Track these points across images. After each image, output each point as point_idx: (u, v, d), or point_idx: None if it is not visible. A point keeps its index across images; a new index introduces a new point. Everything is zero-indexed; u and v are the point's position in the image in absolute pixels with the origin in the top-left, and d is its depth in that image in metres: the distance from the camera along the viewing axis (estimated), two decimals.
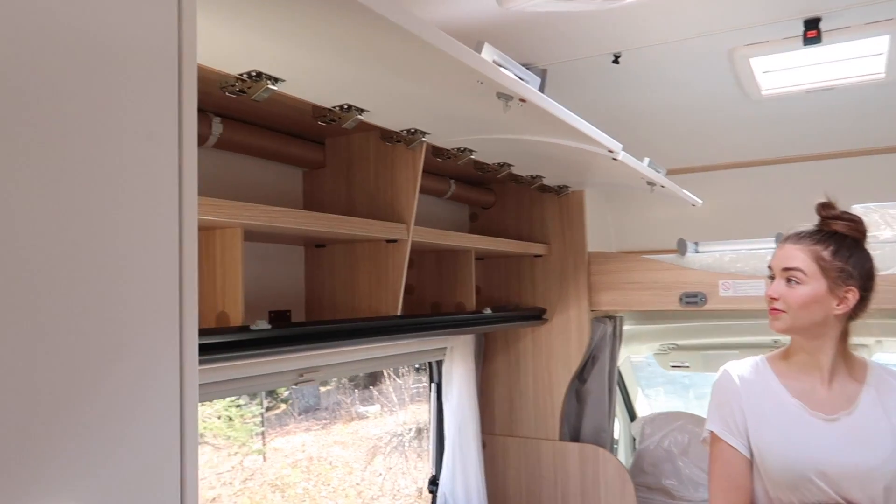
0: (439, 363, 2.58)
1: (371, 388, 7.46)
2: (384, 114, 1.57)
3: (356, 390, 7.50)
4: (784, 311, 1.55)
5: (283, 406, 7.25)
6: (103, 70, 0.63)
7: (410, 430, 6.89)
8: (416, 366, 3.05)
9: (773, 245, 2.37)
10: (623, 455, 3.59)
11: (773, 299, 1.56)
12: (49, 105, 0.58)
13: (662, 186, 2.18)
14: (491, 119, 1.49)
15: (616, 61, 2.49)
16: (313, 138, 1.91)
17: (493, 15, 2.12)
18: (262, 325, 1.40)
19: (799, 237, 1.59)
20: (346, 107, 1.48)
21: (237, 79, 1.28)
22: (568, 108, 1.65)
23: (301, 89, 1.37)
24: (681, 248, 2.55)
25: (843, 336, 1.57)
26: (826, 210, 1.59)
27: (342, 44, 1.13)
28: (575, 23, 2.23)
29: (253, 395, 6.59)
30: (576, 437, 2.67)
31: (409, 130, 1.71)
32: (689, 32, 2.33)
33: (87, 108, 0.62)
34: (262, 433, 6.71)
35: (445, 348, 2.52)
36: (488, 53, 1.13)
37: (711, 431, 1.61)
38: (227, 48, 1.16)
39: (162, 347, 0.69)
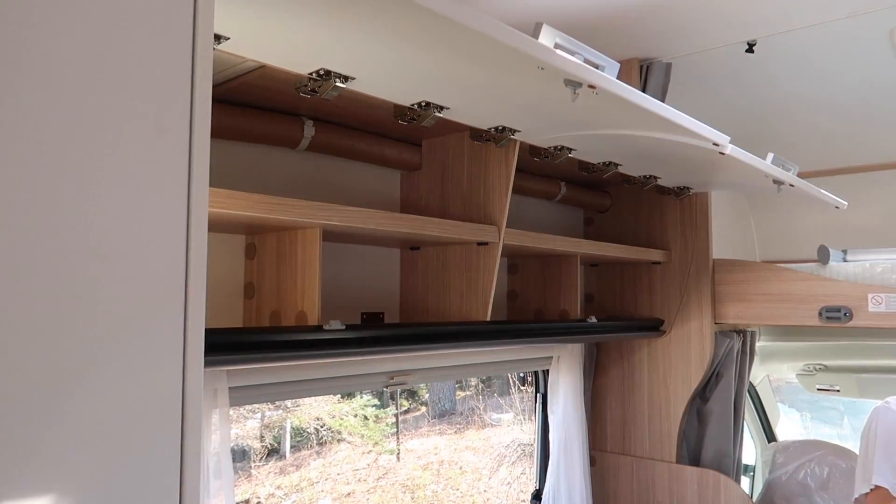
0: (545, 373, 2.47)
1: (502, 396, 7.42)
2: (465, 111, 1.51)
3: (484, 398, 7.49)
4: None
5: (423, 409, 7.40)
6: (111, 57, 0.63)
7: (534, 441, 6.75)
8: (521, 375, 2.95)
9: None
10: (758, 482, 3.26)
11: None
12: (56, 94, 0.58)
13: (791, 185, 1.93)
14: (574, 112, 1.38)
15: (750, 50, 2.26)
16: (411, 140, 1.90)
17: (610, 6, 1.99)
18: (336, 325, 1.39)
19: None
20: (423, 104, 1.44)
21: (309, 78, 1.28)
22: (698, 105, 1.50)
23: (374, 87, 1.35)
24: (822, 257, 2.26)
25: None
26: None
27: (406, 39, 1.09)
28: (703, 9, 2.04)
29: (392, 396, 6.80)
30: (695, 460, 2.45)
31: (497, 128, 1.63)
32: (839, 12, 2.05)
33: (93, 98, 0.62)
34: (397, 433, 6.88)
35: (551, 357, 2.41)
36: (548, 37, 1.04)
37: (880, 487, 1.35)
38: (295, 47, 1.16)
39: (161, 345, 0.67)
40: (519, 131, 1.64)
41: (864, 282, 2.13)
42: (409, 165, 1.92)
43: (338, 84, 1.27)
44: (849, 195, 2.42)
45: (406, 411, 7.13)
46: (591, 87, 1.10)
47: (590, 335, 2.18)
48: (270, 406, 5.65)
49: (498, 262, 1.72)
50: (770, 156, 1.81)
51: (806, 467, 2.51)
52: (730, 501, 2.29)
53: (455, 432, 7.29)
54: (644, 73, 2.43)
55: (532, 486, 2.55)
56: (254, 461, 5.55)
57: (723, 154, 1.54)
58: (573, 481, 2.38)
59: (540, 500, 2.45)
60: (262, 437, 5.76)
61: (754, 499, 2.71)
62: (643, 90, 2.25)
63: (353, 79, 1.28)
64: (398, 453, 6.75)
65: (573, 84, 1.09)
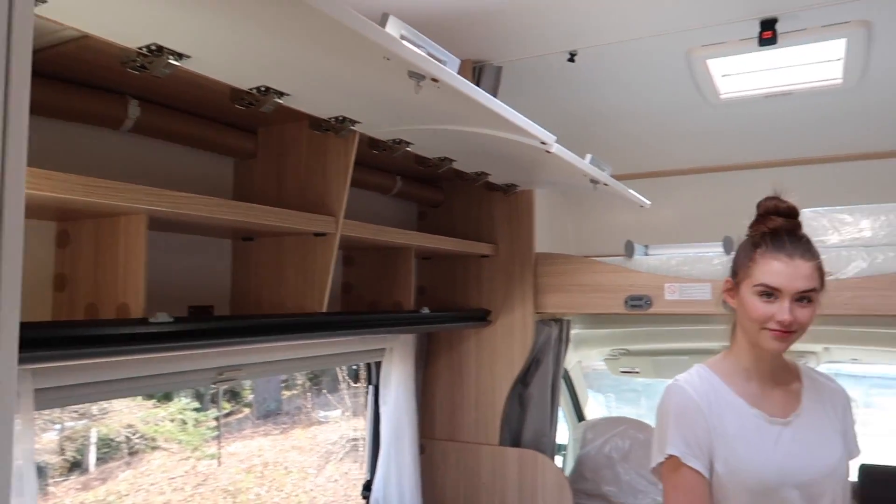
0: (378, 365, 2.50)
1: (331, 394, 7.36)
2: (306, 98, 1.49)
3: (312, 396, 7.41)
4: (795, 332, 1.40)
5: (246, 410, 7.12)
6: None
7: (363, 436, 6.80)
8: (353, 370, 2.97)
9: (720, 249, 2.33)
10: (570, 460, 3.55)
11: (793, 323, 1.37)
12: None
13: (606, 185, 2.13)
14: (415, 105, 1.42)
15: (572, 59, 2.45)
16: (246, 127, 1.83)
17: (446, 8, 2.05)
18: (164, 318, 1.31)
19: (804, 249, 1.41)
20: (263, 89, 1.40)
21: (138, 53, 1.20)
22: (524, 107, 1.59)
23: (211, 68, 1.29)
24: (628, 251, 2.51)
25: None
26: (790, 207, 1.46)
27: (249, 18, 1.05)
28: (529, 18, 2.18)
29: (213, 399, 6.47)
30: (516, 441, 2.61)
31: (337, 118, 1.63)
32: (645, 31, 2.29)
33: None
34: (218, 437, 6.57)
35: (384, 349, 2.45)
36: (394, 27, 1.06)
37: (672, 455, 1.42)
38: (125, 19, 1.08)
39: None
40: (359, 122, 1.65)
41: (662, 273, 2.40)
42: (244, 153, 1.85)
43: (171, 62, 1.20)
44: (649, 197, 2.70)
45: (229, 413, 6.84)
46: (434, 80, 1.14)
47: (422, 325, 2.24)
48: (73, 415, 5.14)
49: (335, 253, 1.72)
50: (588, 156, 1.98)
51: (611, 441, 2.78)
52: (546, 478, 2.47)
53: (281, 432, 7.12)
54: (477, 74, 2.54)
55: (363, 478, 2.57)
56: (52, 477, 5.02)
57: (549, 152, 1.66)
58: (403, 470, 2.44)
59: (370, 490, 2.47)
60: (63, 450, 5.22)
61: (567, 473, 2.94)
62: None
63: (189, 57, 1.22)
64: (219, 458, 6.46)
65: (417, 76, 1.12)
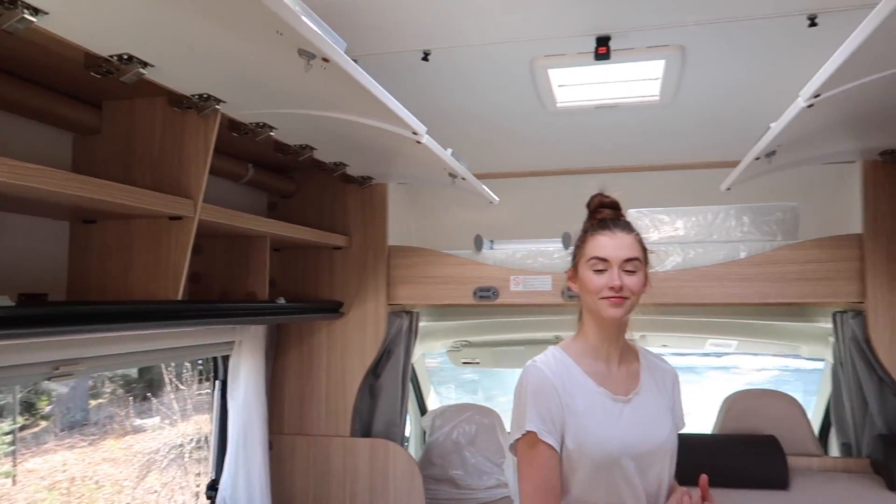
0: (225, 359, 2.40)
1: (152, 398, 6.86)
2: (173, 71, 1.41)
3: (133, 401, 6.88)
4: (628, 299, 1.57)
5: (44, 423, 6.44)
6: None
7: (192, 440, 6.42)
8: (200, 364, 2.82)
9: (560, 245, 2.52)
10: (413, 450, 3.63)
11: (623, 288, 1.55)
12: None
13: (464, 179, 2.22)
14: (292, 87, 1.40)
15: (426, 59, 2.51)
16: (88, 99, 1.68)
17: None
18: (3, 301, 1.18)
19: (623, 226, 1.63)
20: (125, 57, 1.31)
21: None
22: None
23: (69, 27, 1.18)
24: (477, 245, 2.63)
25: (627, 323, 1.67)
26: (613, 200, 1.70)
27: None
28: (386, 14, 2.21)
29: (1, 412, 5.79)
30: (367, 432, 2.63)
31: (201, 96, 1.56)
32: (494, 38, 2.41)
33: None
34: (13, 453, 5.90)
35: (233, 342, 2.35)
36: (291, 3, 1.05)
37: (530, 430, 1.53)
38: None
39: None
40: (224, 102, 1.58)
41: (507, 266, 2.55)
42: (85, 128, 1.70)
43: (26, 16, 1.09)
44: (496, 193, 2.85)
45: (25, 427, 6.15)
46: (325, 59, 1.13)
47: (280, 316, 2.19)
48: None
49: (192, 237, 1.64)
50: (449, 150, 2.05)
51: (458, 427, 2.90)
52: (398, 465, 2.52)
53: (89, 444, 6.52)
54: None
55: (188, 485, 2.45)
56: None
57: (419, 143, 1.71)
58: (252, 467, 2.36)
59: (216, 490, 2.37)
60: None
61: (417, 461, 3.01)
62: None
63: (46, 14, 1.11)
64: (14, 476, 5.78)
65: (307, 55, 1.11)
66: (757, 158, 2.00)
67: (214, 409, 2.47)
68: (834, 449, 2.81)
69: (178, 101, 1.59)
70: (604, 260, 1.58)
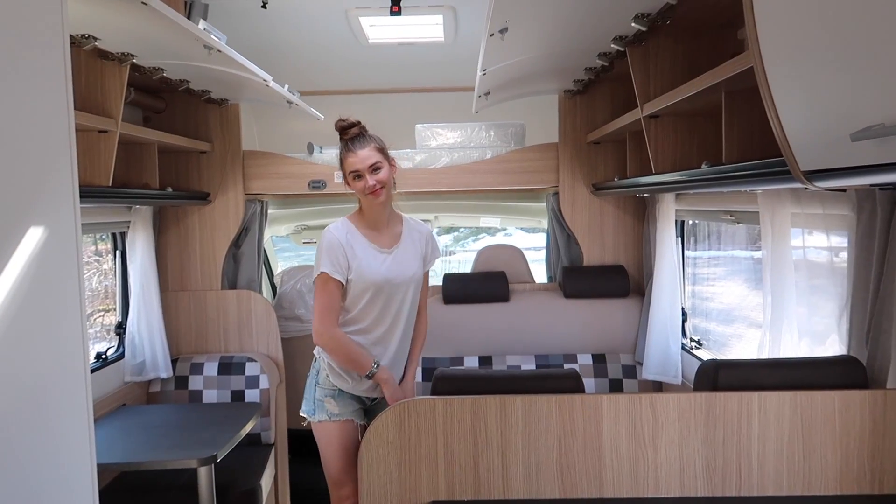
0: (122, 234, 3.26)
1: None
2: (112, 41, 2.24)
3: None
4: (383, 188, 2.32)
5: None
6: None
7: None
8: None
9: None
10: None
11: (375, 184, 2.29)
12: None
13: (297, 105, 3.19)
14: (189, 54, 2.30)
15: (264, 6, 3.36)
16: None
17: None
18: None
19: (361, 143, 2.33)
20: (87, 36, 2.13)
21: None
22: (229, 39, 2.48)
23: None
24: (309, 149, 3.62)
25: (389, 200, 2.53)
26: (352, 122, 2.42)
27: None
28: None
29: None
30: (233, 287, 3.63)
31: (123, 53, 2.39)
32: None
33: None
34: None
35: (129, 221, 3.21)
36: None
37: (324, 272, 2.34)
38: None
39: None
40: (136, 56, 2.42)
41: (331, 165, 3.57)
42: None
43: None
44: (320, 111, 3.80)
45: None
46: (219, 50, 2.05)
47: (165, 200, 3.09)
48: None
49: (116, 145, 2.49)
50: (286, 86, 3.00)
51: (300, 281, 3.99)
52: (258, 308, 3.55)
53: None
54: (188, 8, 3.31)
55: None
56: None
57: (267, 86, 2.66)
58: (151, 312, 3.28)
59: (123, 329, 3.28)
60: None
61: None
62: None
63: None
64: None
65: (208, 47, 2.02)
66: (479, 96, 3.16)
67: (116, 272, 3.34)
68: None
69: (105, 55, 2.41)
70: (356, 171, 2.33)
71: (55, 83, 1.26)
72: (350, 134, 2.39)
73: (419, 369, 3.15)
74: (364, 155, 2.34)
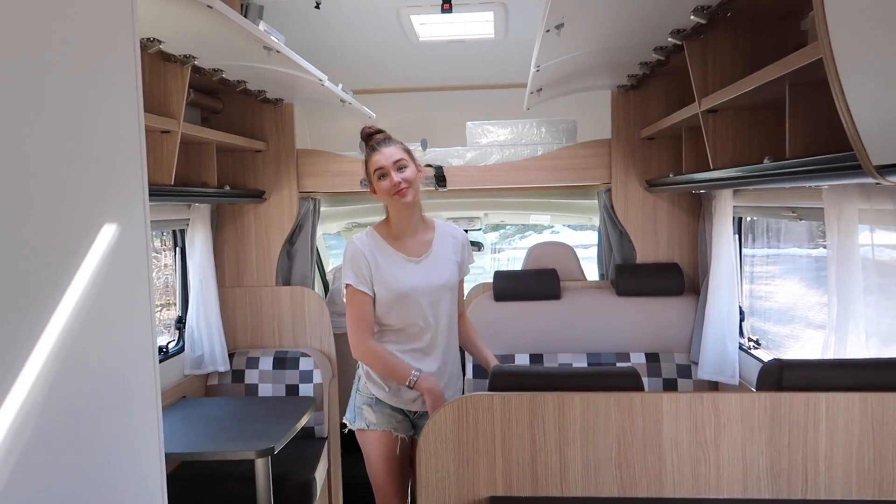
0: (182, 232, 3.36)
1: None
2: (175, 44, 2.31)
3: None
4: (409, 187, 2.25)
5: None
6: None
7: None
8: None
9: (419, 146, 3.60)
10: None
11: (401, 182, 2.24)
12: None
13: (350, 104, 3.23)
14: (249, 55, 2.35)
15: (318, 7, 3.41)
16: None
17: None
18: None
19: (387, 142, 2.31)
20: (152, 39, 2.21)
21: None
22: (285, 38, 2.53)
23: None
24: (361, 148, 3.64)
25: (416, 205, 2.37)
26: (378, 129, 2.43)
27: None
28: None
29: None
30: (287, 283, 3.70)
31: (186, 55, 2.46)
32: None
33: None
34: None
35: (188, 220, 3.30)
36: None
37: (348, 284, 2.26)
38: None
39: None
40: (198, 58, 2.49)
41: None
42: None
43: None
44: (372, 109, 3.84)
45: None
46: (277, 51, 2.09)
47: (223, 198, 3.16)
48: None
49: (178, 144, 2.56)
50: (340, 85, 3.04)
51: None
52: (311, 303, 3.61)
53: None
54: (244, 9, 3.38)
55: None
56: None
57: (323, 85, 2.70)
58: (209, 306, 3.38)
59: (184, 323, 3.38)
60: None
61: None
62: None
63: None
64: None
65: (268, 48, 2.07)
66: (531, 93, 3.14)
67: (177, 268, 3.44)
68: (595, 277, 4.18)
69: (167, 57, 2.48)
70: (382, 168, 2.29)
71: (127, 86, 1.31)
72: (375, 139, 2.39)
73: (470, 365, 3.18)
74: (389, 152, 2.31)
